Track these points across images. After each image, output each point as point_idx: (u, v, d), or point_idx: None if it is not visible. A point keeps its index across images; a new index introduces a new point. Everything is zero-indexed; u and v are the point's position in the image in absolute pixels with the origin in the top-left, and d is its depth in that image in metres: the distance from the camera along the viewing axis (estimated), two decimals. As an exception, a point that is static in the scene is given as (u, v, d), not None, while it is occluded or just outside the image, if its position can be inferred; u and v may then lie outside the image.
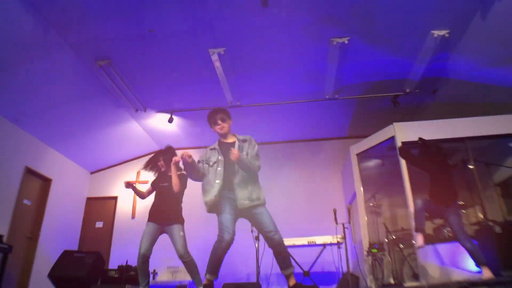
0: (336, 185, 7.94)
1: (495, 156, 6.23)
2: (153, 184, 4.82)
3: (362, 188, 6.42)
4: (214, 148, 3.80)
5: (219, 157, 3.70)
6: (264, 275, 6.68)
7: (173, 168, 4.31)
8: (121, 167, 8.79)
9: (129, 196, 8.40)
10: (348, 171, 6.98)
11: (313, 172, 8.16)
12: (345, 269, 6.18)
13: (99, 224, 8.34)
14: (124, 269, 6.27)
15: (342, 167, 7.92)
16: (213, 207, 3.57)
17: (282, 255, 3.47)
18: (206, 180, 3.70)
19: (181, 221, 4.51)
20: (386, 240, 6.06)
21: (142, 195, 4.83)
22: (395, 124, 5.97)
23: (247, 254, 6.88)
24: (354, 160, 6.64)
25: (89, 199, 8.55)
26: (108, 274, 6.18)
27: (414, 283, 4.94)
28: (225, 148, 3.70)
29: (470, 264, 4.88)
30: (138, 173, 8.57)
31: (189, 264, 4.32)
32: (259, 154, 3.76)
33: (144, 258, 4.24)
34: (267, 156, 8.01)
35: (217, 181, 3.59)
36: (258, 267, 6.10)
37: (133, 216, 8.19)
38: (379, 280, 5.56)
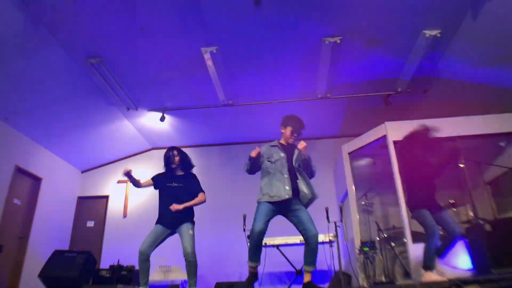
0: (328, 184, 7.96)
1: (486, 155, 6.30)
2: (158, 182, 4.63)
3: (354, 187, 6.45)
4: (276, 146, 4.13)
5: (282, 154, 4.02)
6: (256, 274, 6.68)
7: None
8: (112, 166, 8.73)
9: (120, 195, 8.35)
10: (340, 170, 7.01)
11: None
12: (337, 268, 6.20)
13: (90, 224, 8.27)
14: (116, 269, 6.23)
15: (334, 166, 7.94)
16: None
17: (312, 250, 3.78)
18: (269, 177, 3.96)
19: (191, 220, 4.47)
20: (378, 238, 6.10)
21: (137, 184, 4.68)
22: (387, 123, 6.00)
23: (239, 253, 6.92)
24: (345, 158, 6.67)
25: (80, 198, 8.48)
26: (100, 273, 6.14)
27: (406, 281, 4.98)
28: (286, 147, 4.09)
29: (461, 262, 4.95)
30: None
31: (191, 265, 4.27)
32: None
33: (143, 256, 4.20)
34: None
35: (286, 176, 3.88)
36: (250, 266, 6.09)
37: (124, 215, 8.14)
38: (371, 278, 5.60)
